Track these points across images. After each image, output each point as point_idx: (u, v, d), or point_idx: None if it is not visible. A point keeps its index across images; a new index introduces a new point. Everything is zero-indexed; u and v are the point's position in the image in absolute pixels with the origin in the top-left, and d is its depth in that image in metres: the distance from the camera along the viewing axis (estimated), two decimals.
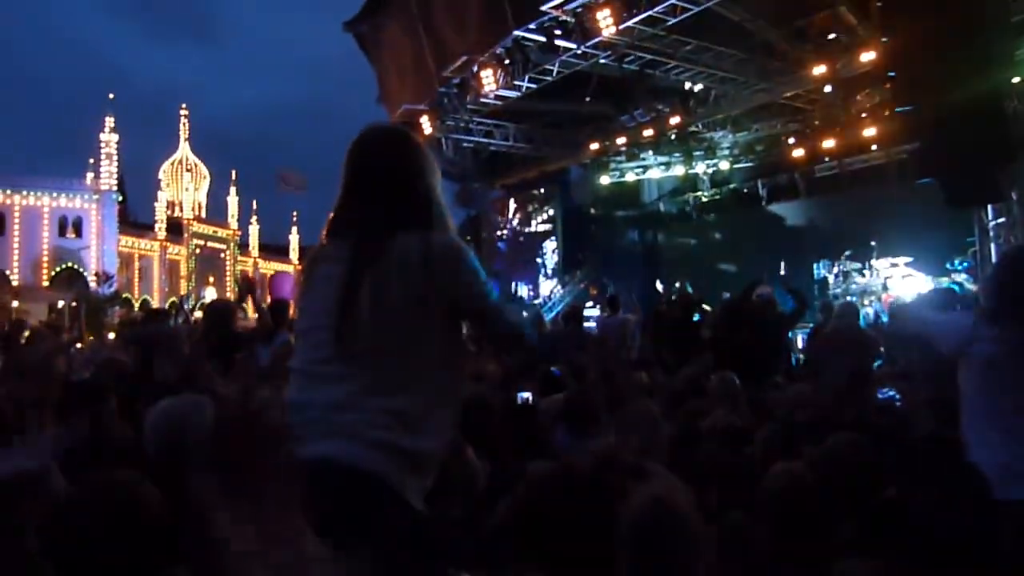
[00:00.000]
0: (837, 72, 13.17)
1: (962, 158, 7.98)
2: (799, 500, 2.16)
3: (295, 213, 56.59)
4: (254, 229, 54.41)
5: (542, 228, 21.70)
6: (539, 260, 21.70)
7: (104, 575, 1.55)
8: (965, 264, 12.83)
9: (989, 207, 12.39)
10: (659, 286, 12.83)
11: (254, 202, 54.51)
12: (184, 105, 56.24)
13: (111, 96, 45.71)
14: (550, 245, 21.59)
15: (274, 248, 56.58)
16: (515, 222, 22.31)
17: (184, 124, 54.80)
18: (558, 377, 4.58)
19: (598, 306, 17.80)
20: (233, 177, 53.19)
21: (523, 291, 21.88)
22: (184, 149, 54.09)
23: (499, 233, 22.75)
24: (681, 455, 3.01)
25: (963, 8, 7.49)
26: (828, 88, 13.74)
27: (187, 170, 53.22)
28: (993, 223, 12.81)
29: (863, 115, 15.45)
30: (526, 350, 2.15)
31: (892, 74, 8.60)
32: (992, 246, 12.56)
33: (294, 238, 57.17)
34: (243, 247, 52.86)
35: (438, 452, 1.73)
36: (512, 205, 22.61)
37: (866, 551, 1.84)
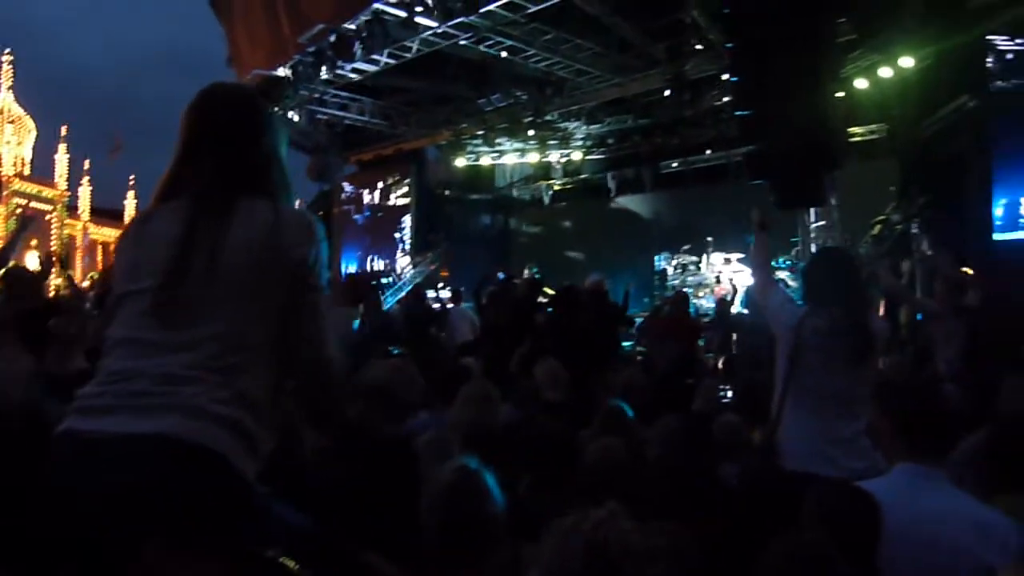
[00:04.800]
0: (686, 73, 13.80)
1: (791, 163, 8.56)
2: (612, 473, 2.29)
3: (132, 177, 53.13)
4: (85, 191, 50.45)
5: (401, 202, 21.45)
6: (397, 235, 21.42)
7: None
8: (788, 263, 13.84)
9: (812, 210, 13.46)
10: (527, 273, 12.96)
11: (86, 161, 50.50)
12: (9, 50, 51.23)
13: None
14: (409, 220, 21.37)
15: (108, 212, 52.74)
16: (375, 195, 21.91)
17: (7, 71, 49.92)
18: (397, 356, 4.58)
19: (448, 288, 17.85)
20: (63, 133, 49.04)
21: (380, 264, 21.54)
22: (6, 98, 49.29)
23: (355, 208, 22.29)
24: (516, 433, 3.09)
25: (798, 25, 8.01)
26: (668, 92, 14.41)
27: (9, 122, 48.60)
28: (814, 225, 13.94)
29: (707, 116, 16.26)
30: (323, 386, 1.70)
31: (734, 79, 9.06)
32: (812, 246, 13.67)
33: (130, 203, 53.60)
34: (72, 210, 48.93)
35: (271, 438, 1.61)
36: (371, 179, 22.14)
37: (678, 518, 1.97)
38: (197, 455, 1.42)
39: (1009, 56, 10.35)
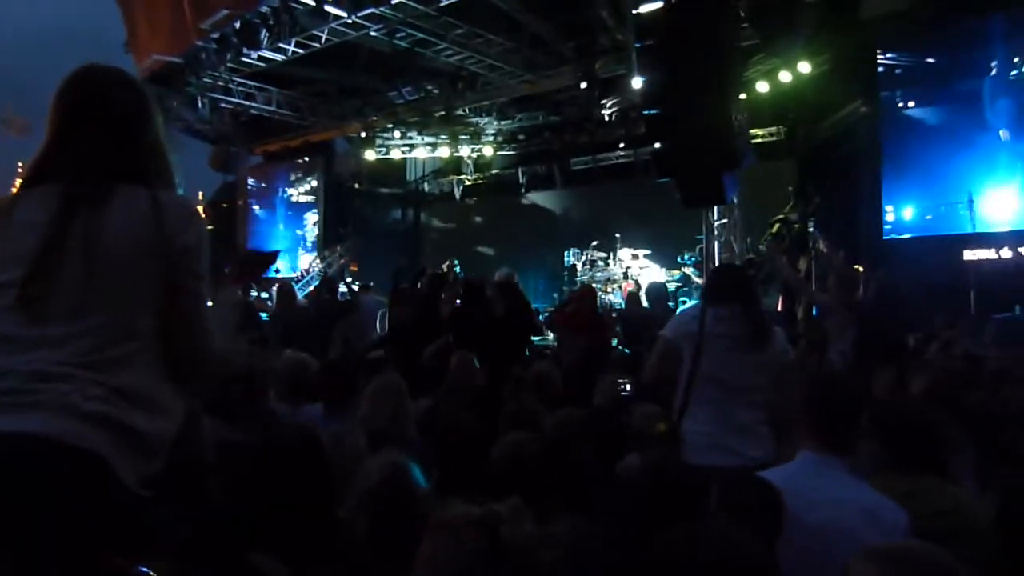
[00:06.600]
0: (596, 72, 14.00)
1: (695, 162, 8.81)
2: (519, 468, 2.32)
3: (20, 164, 50.32)
4: None
5: (304, 199, 21.02)
6: (300, 232, 20.99)
7: None
8: (693, 259, 14.27)
9: (715, 208, 13.90)
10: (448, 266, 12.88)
11: None
12: None
13: None
14: (311, 217, 20.95)
15: None
16: (281, 188, 21.37)
17: None
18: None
19: (357, 283, 17.56)
20: None
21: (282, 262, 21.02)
22: None
23: (260, 199, 21.70)
24: (428, 426, 3.10)
25: (702, 31, 8.26)
26: (583, 85, 14.57)
27: None
28: (717, 223, 14.41)
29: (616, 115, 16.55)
30: (202, 375, 1.64)
31: (642, 79, 9.25)
32: (715, 243, 14.13)
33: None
34: None
35: (168, 433, 1.50)
36: (277, 171, 21.58)
37: (581, 510, 2.01)
38: (68, 456, 1.32)
39: (898, 71, 10.97)
